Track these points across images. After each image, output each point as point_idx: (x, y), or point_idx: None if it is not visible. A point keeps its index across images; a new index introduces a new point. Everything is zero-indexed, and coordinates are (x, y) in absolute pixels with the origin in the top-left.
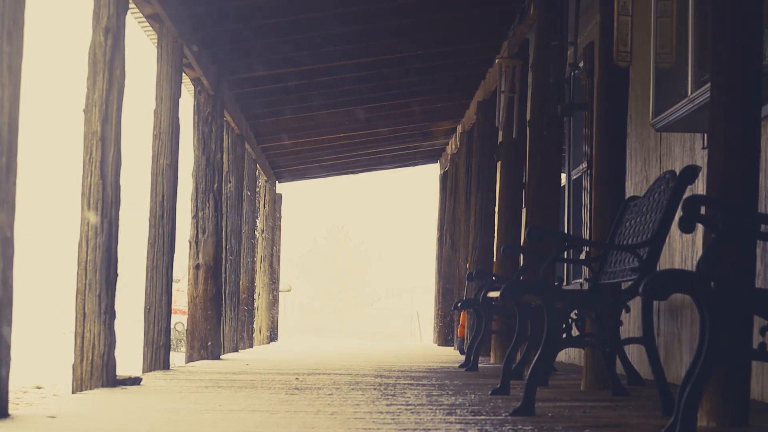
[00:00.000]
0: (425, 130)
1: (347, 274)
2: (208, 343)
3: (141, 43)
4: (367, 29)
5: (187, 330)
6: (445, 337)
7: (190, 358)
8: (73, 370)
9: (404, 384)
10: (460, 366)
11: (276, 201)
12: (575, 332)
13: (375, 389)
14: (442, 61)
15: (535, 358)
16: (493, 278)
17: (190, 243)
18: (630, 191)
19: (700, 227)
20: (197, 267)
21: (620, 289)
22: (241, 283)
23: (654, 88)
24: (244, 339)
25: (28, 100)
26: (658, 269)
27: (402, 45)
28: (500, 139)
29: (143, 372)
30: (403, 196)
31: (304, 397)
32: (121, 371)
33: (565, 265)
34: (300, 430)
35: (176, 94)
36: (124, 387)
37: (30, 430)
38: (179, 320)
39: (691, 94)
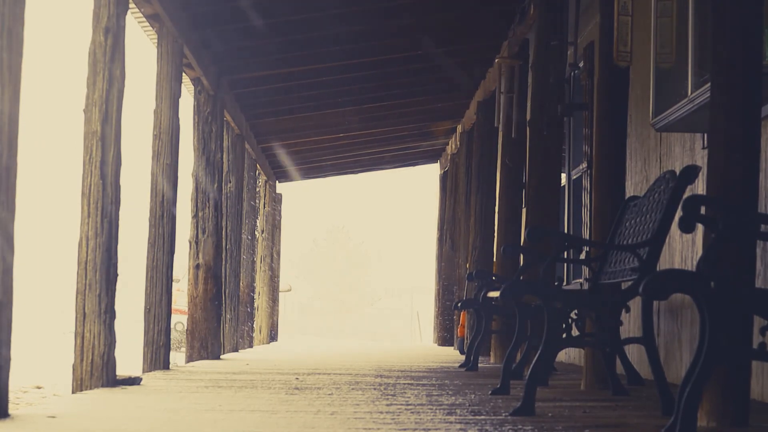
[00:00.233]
0: (425, 130)
1: (347, 274)
2: (208, 343)
3: (141, 43)
4: (367, 29)
5: (187, 330)
6: (445, 337)
7: (190, 358)
8: (73, 370)
9: (404, 384)
10: (460, 366)
11: (276, 201)
12: (575, 332)
13: (375, 389)
14: (442, 61)
15: (535, 358)
16: (493, 278)
17: (190, 243)
18: (630, 191)
19: (700, 227)
20: (197, 267)
21: (620, 289)
22: (241, 283)
23: (654, 88)
24: (244, 339)
25: (28, 100)
26: (658, 269)
27: (402, 45)
28: (500, 139)
29: (143, 372)
30: (403, 196)
31: (304, 397)
32: (121, 371)
33: (565, 265)
34: (300, 430)
35: (176, 94)
36: (124, 387)
37: (30, 430)
38: (179, 320)
39: (691, 94)
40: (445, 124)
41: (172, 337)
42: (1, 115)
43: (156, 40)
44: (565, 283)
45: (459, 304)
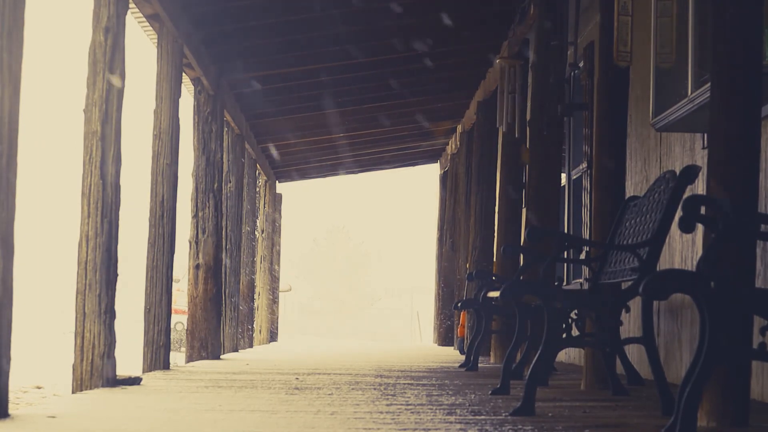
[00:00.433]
0: (425, 130)
1: (347, 274)
2: (208, 343)
3: (141, 43)
4: (367, 29)
5: (187, 330)
6: (445, 337)
7: (190, 358)
8: (73, 370)
9: (404, 384)
10: (460, 366)
11: (276, 201)
12: (575, 332)
13: (375, 389)
14: (442, 61)
15: (535, 358)
16: (493, 278)
17: (190, 243)
18: (630, 191)
19: (700, 227)
20: (197, 267)
21: (620, 289)
22: (241, 283)
23: (654, 88)
24: (244, 339)
25: (28, 100)
26: (658, 269)
27: (402, 45)
28: (500, 139)
29: (143, 372)
30: (403, 196)
31: (304, 397)
32: (121, 371)
33: (565, 265)
34: (300, 430)
35: (176, 94)
36: (124, 387)
37: (30, 430)
38: (179, 320)
39: (691, 94)
40: (445, 124)
41: (172, 337)
42: (1, 115)
43: (156, 40)
44: (565, 283)
45: (459, 304)
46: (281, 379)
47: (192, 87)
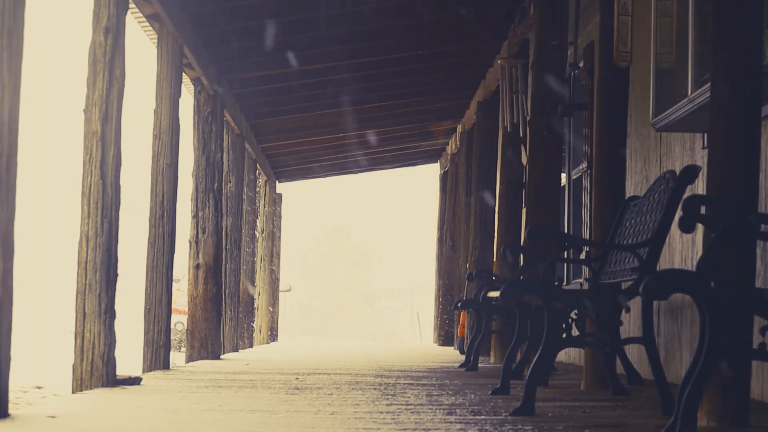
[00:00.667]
0: (425, 130)
1: (347, 274)
2: (208, 343)
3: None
4: (367, 29)
5: (187, 330)
6: (445, 337)
7: (190, 358)
8: (73, 370)
9: (404, 384)
10: (460, 366)
11: (276, 201)
12: (575, 332)
13: (375, 389)
14: (442, 61)
15: (535, 358)
16: (493, 278)
17: (190, 243)
18: (630, 191)
19: (700, 227)
20: (197, 267)
21: (620, 289)
22: (241, 282)
23: (654, 88)
24: (244, 339)
25: (28, 100)
26: (658, 269)
27: (402, 45)
28: (500, 139)
29: (143, 372)
30: (403, 196)
31: (304, 397)
32: (121, 371)
33: (565, 265)
34: (300, 430)
35: (176, 94)
36: (124, 387)
37: (30, 430)
38: (179, 320)
39: (691, 94)
40: (445, 124)
41: (172, 337)
42: (1, 115)
43: (156, 40)
44: (565, 283)
45: (459, 304)
46: (281, 379)
47: (192, 87)
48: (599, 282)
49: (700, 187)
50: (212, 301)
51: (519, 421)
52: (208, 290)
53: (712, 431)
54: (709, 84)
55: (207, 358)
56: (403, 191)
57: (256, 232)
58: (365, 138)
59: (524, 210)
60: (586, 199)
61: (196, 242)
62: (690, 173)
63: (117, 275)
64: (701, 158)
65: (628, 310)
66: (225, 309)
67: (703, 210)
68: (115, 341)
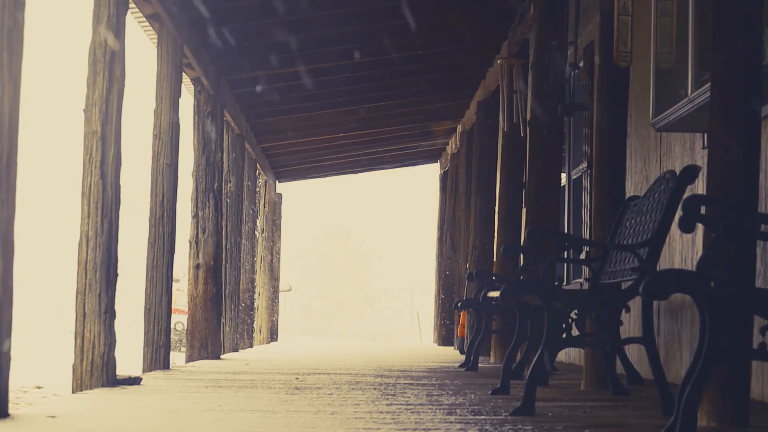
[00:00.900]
0: (425, 130)
1: (347, 274)
2: (208, 343)
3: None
4: (367, 29)
5: (187, 330)
6: (445, 337)
7: (190, 358)
8: (73, 370)
9: (404, 384)
10: (460, 366)
11: (276, 201)
12: (575, 332)
13: (375, 389)
14: (442, 61)
15: (535, 358)
16: (493, 278)
17: (190, 243)
18: (630, 191)
19: (700, 227)
20: (197, 267)
21: (620, 289)
22: (241, 283)
23: (654, 88)
24: (244, 339)
25: (28, 100)
26: (658, 269)
27: (402, 45)
28: (500, 139)
29: (143, 372)
30: (403, 196)
31: (304, 397)
32: (121, 371)
33: (565, 265)
34: (300, 430)
35: (176, 93)
36: (124, 387)
37: (30, 430)
38: (179, 320)
39: (691, 94)
40: (445, 124)
41: (172, 337)
42: (1, 115)
43: (156, 40)
44: (565, 283)
45: (459, 304)
46: (281, 379)
47: (192, 87)
48: (599, 282)
49: (700, 187)
50: (212, 301)
51: (519, 421)
52: (208, 290)
53: (712, 431)
54: (709, 84)
55: (207, 358)
56: (403, 191)
57: (256, 232)
58: (365, 138)
59: (524, 210)
60: (586, 199)
61: (196, 242)
62: (690, 173)
63: (117, 275)
64: (701, 158)
65: (628, 310)
66: (225, 309)
67: (703, 210)
68: (115, 341)
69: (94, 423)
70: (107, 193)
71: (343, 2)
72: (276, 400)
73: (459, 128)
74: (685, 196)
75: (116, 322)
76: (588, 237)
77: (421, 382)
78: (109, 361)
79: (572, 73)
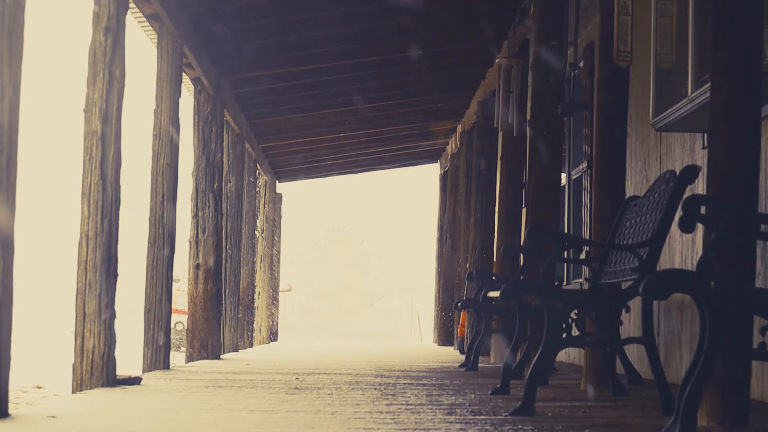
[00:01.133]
0: (425, 130)
1: (347, 274)
2: (208, 343)
3: (141, 43)
4: (367, 29)
5: (187, 330)
6: (445, 337)
7: (190, 358)
8: (73, 370)
9: (404, 384)
10: (460, 366)
11: (276, 201)
12: (575, 332)
13: (375, 389)
14: (442, 61)
15: (535, 358)
16: (493, 278)
17: (190, 243)
18: (630, 191)
19: (700, 227)
20: (197, 267)
21: (620, 289)
22: (241, 283)
23: (654, 88)
24: (244, 339)
25: (28, 100)
26: (658, 269)
27: (402, 45)
28: (500, 139)
29: (143, 372)
30: (403, 196)
31: (304, 397)
32: (121, 371)
33: (565, 265)
34: (300, 430)
35: (176, 93)
36: (124, 387)
37: (30, 430)
38: (179, 320)
39: (691, 94)
40: (445, 124)
41: (172, 337)
42: (1, 116)
43: (156, 40)
44: (565, 283)
45: (459, 304)
46: (281, 379)
47: (192, 87)
48: (599, 282)
49: (700, 187)
50: (212, 301)
51: (519, 421)
52: (208, 290)
53: (712, 431)
54: (709, 84)
55: (207, 358)
56: (403, 191)
57: (256, 232)
58: (365, 138)
59: (524, 210)
60: (586, 199)
61: (196, 242)
62: (690, 173)
63: (117, 275)
64: (701, 158)
65: (628, 310)
66: (225, 309)
67: (703, 210)
68: (115, 341)
69: (94, 423)
70: (107, 193)
71: (343, 2)
72: (276, 400)
73: (459, 128)
74: (685, 196)
75: (116, 322)
76: (588, 237)
77: (421, 382)
78: (109, 361)
79: (572, 73)
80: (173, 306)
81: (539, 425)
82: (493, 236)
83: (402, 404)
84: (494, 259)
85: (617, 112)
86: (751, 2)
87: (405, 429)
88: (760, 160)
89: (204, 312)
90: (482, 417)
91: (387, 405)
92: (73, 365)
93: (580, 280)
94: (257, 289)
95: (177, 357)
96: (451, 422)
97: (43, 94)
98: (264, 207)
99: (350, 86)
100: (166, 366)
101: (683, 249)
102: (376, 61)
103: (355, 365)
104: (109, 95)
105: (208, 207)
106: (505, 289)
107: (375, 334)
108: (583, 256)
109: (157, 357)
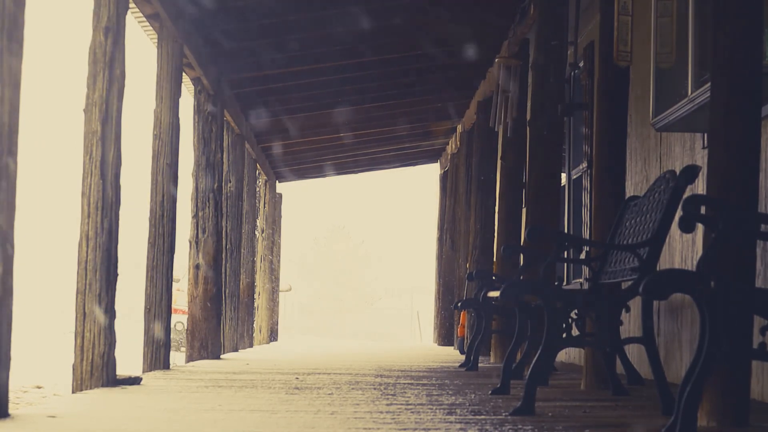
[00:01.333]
0: (425, 130)
1: (347, 274)
2: (208, 343)
3: (141, 43)
4: (367, 29)
5: (187, 330)
6: (445, 337)
7: (190, 358)
8: (73, 370)
9: (404, 384)
10: (460, 366)
11: (276, 201)
12: (575, 332)
13: (375, 389)
14: (443, 61)
15: (535, 358)
16: (493, 278)
17: (190, 243)
18: (630, 191)
19: (700, 227)
20: (197, 267)
21: (620, 289)
22: (241, 283)
23: (654, 88)
24: (244, 339)
25: (28, 100)
26: (658, 269)
27: (402, 45)
28: (500, 139)
29: (143, 372)
30: (403, 196)
31: (304, 397)
32: (121, 371)
33: (565, 265)
34: (300, 429)
35: (176, 93)
36: (124, 387)
37: (30, 430)
38: (179, 320)
39: (691, 94)
40: (445, 124)
41: (172, 337)
42: (1, 116)
43: (156, 40)
44: (565, 283)
45: (459, 304)
46: (281, 379)
47: (192, 87)
48: (599, 282)
49: (700, 187)
50: (212, 301)
51: (519, 421)
52: (208, 290)
53: (712, 431)
54: (709, 84)
55: (207, 358)
56: (403, 191)
57: (256, 232)
58: (365, 138)
59: (524, 210)
60: (586, 199)
61: (196, 242)
62: (690, 173)
63: (117, 275)
64: (701, 158)
65: (628, 310)
66: (225, 309)
67: (703, 210)
68: (115, 341)
69: (94, 423)
70: (107, 193)
71: (344, 2)
72: (276, 400)
73: (459, 128)
74: (685, 196)
75: (116, 322)
76: (588, 237)
77: (421, 382)
78: (109, 361)
79: (572, 73)
80: (173, 306)
81: (539, 425)
82: (493, 236)
83: (402, 404)
84: (494, 259)
85: (617, 112)
86: (751, 3)
87: (405, 429)
88: (760, 160)
89: (204, 312)
90: (482, 417)
91: (387, 405)
92: (73, 365)
93: (580, 280)
94: (257, 289)
95: (177, 357)
96: (451, 422)
97: (43, 94)
98: (264, 207)
99: (350, 86)
100: (166, 366)
101: (683, 249)
102: (376, 61)
103: (355, 365)
104: (109, 95)
105: (208, 207)
106: (505, 289)
107: (375, 334)
108: (583, 256)
109: (157, 357)
